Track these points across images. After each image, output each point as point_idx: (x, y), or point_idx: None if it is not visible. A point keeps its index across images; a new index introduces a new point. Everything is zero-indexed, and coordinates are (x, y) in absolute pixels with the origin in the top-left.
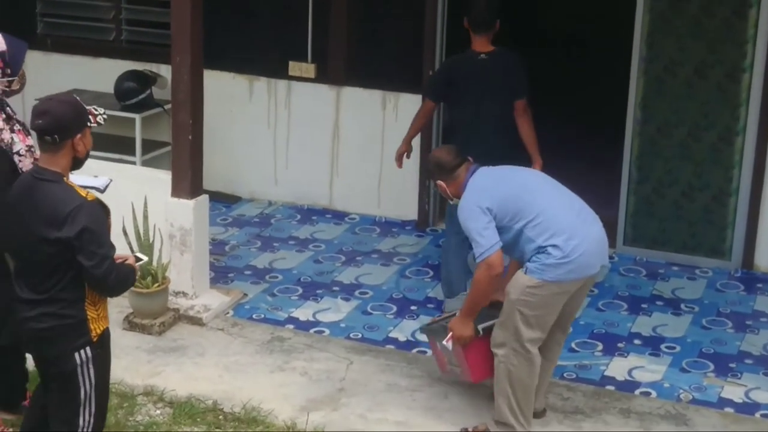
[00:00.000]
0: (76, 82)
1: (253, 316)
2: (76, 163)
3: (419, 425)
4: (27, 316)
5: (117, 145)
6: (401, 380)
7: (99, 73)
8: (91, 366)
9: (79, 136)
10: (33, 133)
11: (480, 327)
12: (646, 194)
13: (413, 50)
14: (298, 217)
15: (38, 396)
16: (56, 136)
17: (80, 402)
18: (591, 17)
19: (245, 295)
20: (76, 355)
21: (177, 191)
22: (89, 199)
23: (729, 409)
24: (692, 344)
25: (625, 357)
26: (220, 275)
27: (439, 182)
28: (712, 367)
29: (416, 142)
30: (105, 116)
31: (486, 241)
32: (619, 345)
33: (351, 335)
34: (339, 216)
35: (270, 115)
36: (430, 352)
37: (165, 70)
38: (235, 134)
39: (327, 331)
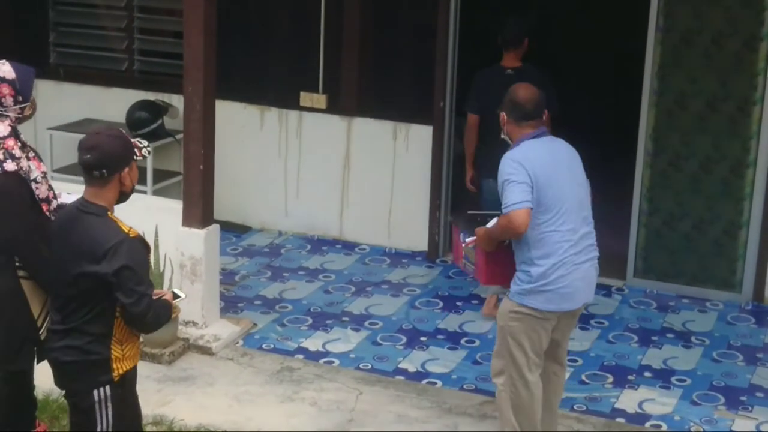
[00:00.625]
0: (89, 111)
1: (263, 346)
2: (122, 197)
3: None
4: (53, 346)
5: None
6: (411, 411)
7: (111, 103)
8: (109, 404)
9: (126, 170)
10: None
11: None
12: (656, 227)
13: (424, 81)
14: (308, 247)
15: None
16: (104, 170)
17: None
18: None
19: (255, 324)
20: (95, 392)
21: (188, 221)
22: (131, 235)
23: None
24: (703, 377)
25: (636, 389)
26: (230, 305)
27: (504, 113)
28: (722, 400)
29: (425, 172)
30: (150, 149)
31: (516, 196)
32: (630, 377)
33: (361, 366)
34: (349, 246)
35: (281, 146)
36: (440, 383)
37: (177, 100)
38: (246, 164)
39: (337, 362)
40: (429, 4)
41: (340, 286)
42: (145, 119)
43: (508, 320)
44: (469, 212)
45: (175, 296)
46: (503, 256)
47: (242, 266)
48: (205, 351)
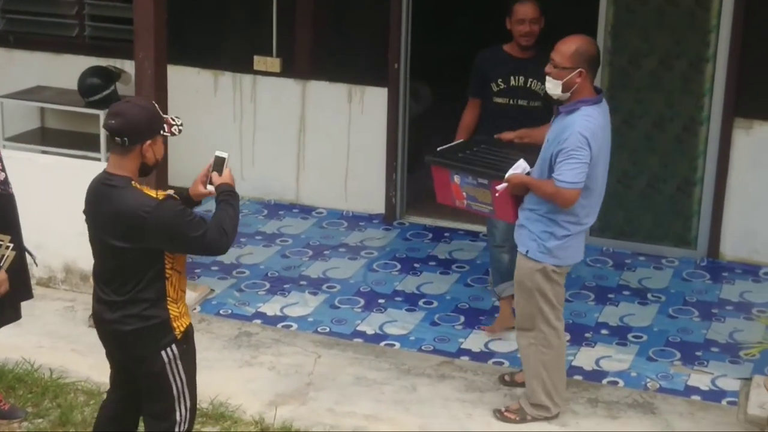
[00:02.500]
0: (40, 78)
1: (221, 312)
2: (144, 170)
3: (388, 418)
4: (110, 318)
5: (81, 141)
6: (369, 373)
7: (62, 70)
8: (179, 362)
9: (149, 142)
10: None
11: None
12: (612, 185)
13: (379, 44)
14: (265, 212)
15: (109, 404)
16: (126, 138)
17: (175, 397)
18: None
19: (212, 290)
20: (163, 353)
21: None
22: (160, 198)
23: (696, 397)
24: (659, 333)
25: (593, 347)
26: (186, 271)
27: (583, 70)
28: (678, 355)
29: (381, 135)
30: (181, 127)
31: (576, 176)
32: (587, 335)
33: (319, 329)
34: (306, 210)
35: (235, 110)
36: (398, 345)
37: (129, 66)
38: (200, 130)
39: (295, 326)
40: None
41: (297, 251)
42: (98, 85)
43: (538, 280)
44: (438, 149)
45: (218, 159)
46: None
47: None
48: None
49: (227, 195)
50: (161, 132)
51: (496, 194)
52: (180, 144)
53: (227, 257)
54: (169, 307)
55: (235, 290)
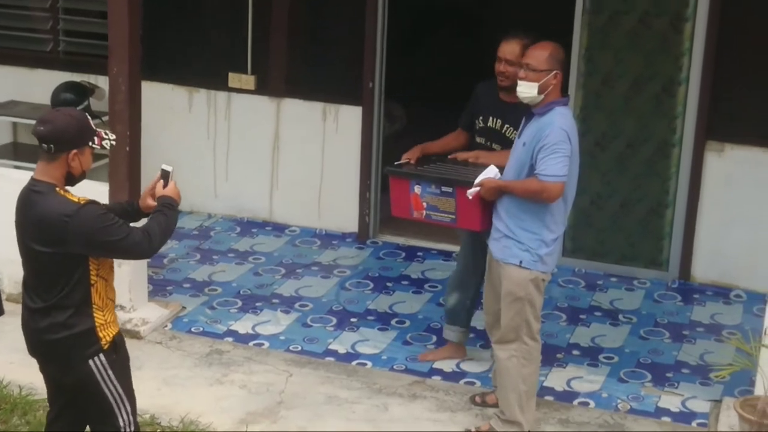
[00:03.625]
0: (13, 93)
1: (192, 329)
2: (70, 180)
3: None
4: (36, 327)
5: None
6: (341, 392)
7: (36, 85)
8: (110, 371)
9: (75, 151)
10: None
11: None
12: (584, 206)
13: (353, 62)
14: (238, 229)
15: (52, 421)
16: (52, 145)
17: (113, 404)
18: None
19: (184, 308)
20: (91, 363)
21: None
22: (82, 203)
23: (666, 419)
24: (630, 354)
25: (564, 367)
26: (158, 288)
27: (559, 72)
28: (649, 377)
29: (355, 153)
30: (113, 142)
31: (560, 169)
32: (558, 356)
33: (291, 348)
34: (279, 228)
35: (210, 127)
36: (370, 364)
37: (103, 82)
38: (174, 146)
39: (266, 344)
40: None
41: (270, 268)
42: (71, 100)
43: (531, 290)
44: (396, 163)
45: (164, 173)
46: (491, 203)
47: (171, 249)
48: (134, 335)
49: (164, 206)
50: (90, 144)
51: (468, 199)
52: (153, 159)
53: (200, 275)
54: (94, 314)
55: (206, 308)
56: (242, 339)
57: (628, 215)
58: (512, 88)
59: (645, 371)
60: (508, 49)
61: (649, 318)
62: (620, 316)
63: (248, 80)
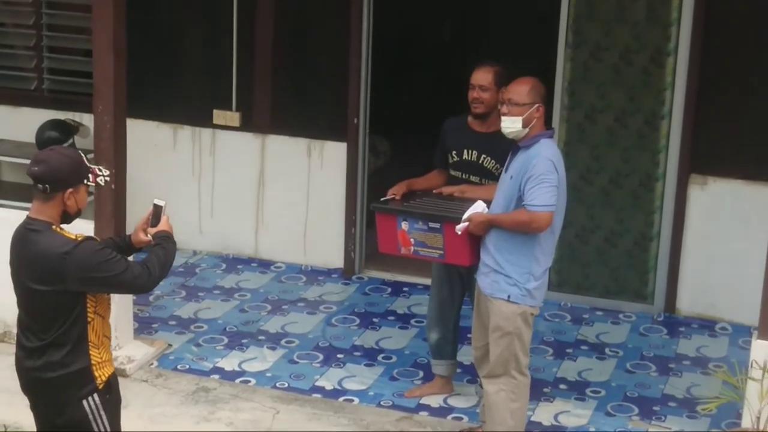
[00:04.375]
0: None
1: (178, 367)
2: (66, 218)
3: None
4: (31, 365)
5: None
6: (328, 429)
7: (21, 123)
8: (102, 412)
9: (70, 190)
10: None
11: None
12: (569, 240)
13: (338, 98)
14: (224, 266)
15: None
16: (47, 186)
17: None
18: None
19: (170, 345)
20: (85, 403)
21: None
22: (79, 239)
23: None
24: (617, 388)
25: (551, 402)
26: (144, 326)
27: (541, 105)
28: (636, 410)
29: (340, 189)
30: (107, 178)
31: (548, 198)
32: (545, 390)
33: (277, 384)
34: (265, 265)
35: (195, 164)
36: (357, 400)
37: (88, 119)
38: (159, 183)
39: (253, 381)
40: (341, 21)
41: (255, 305)
42: (56, 138)
43: (519, 324)
44: (382, 199)
45: (156, 207)
46: (479, 237)
47: (157, 286)
48: (120, 373)
49: (161, 239)
50: (84, 181)
51: (457, 234)
52: (139, 196)
53: (185, 312)
54: (90, 352)
55: (192, 345)
56: (229, 376)
57: (613, 249)
58: (486, 116)
59: (632, 405)
60: (481, 76)
61: (636, 351)
62: (606, 350)
63: (233, 117)
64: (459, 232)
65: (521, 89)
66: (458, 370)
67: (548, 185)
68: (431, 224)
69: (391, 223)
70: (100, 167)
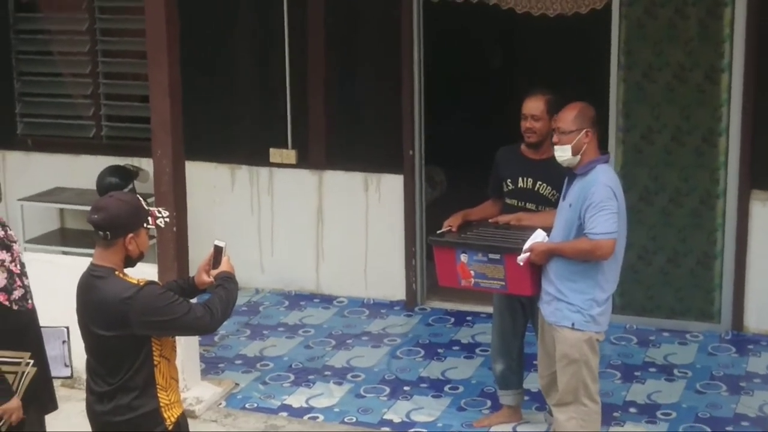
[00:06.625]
0: (58, 180)
1: (246, 406)
2: (129, 262)
3: None
4: (101, 410)
5: None
6: None
7: (81, 171)
8: None
9: (131, 235)
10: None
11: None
12: (631, 262)
13: (392, 131)
14: (286, 303)
15: None
16: (108, 232)
17: None
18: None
19: (237, 384)
20: None
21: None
22: (141, 284)
23: None
24: (688, 410)
25: (622, 426)
26: (210, 366)
27: (589, 131)
28: (709, 431)
29: (399, 221)
30: (167, 219)
31: (610, 225)
32: (615, 414)
33: (345, 419)
34: (327, 300)
35: (253, 203)
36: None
37: (147, 164)
38: (219, 224)
39: (321, 417)
40: (392, 53)
41: (320, 341)
42: (116, 184)
43: (585, 351)
44: (438, 232)
45: (217, 248)
46: (540, 266)
47: (221, 326)
48: (188, 414)
49: (223, 280)
50: (144, 225)
51: (518, 265)
52: (200, 237)
53: (251, 350)
54: (159, 395)
55: (259, 383)
56: (296, 413)
57: (676, 269)
58: (539, 144)
59: (704, 426)
60: (532, 105)
61: (705, 371)
62: (675, 371)
63: (289, 155)
64: (521, 263)
65: (567, 116)
66: (526, 398)
67: (609, 212)
68: (491, 255)
69: (449, 257)
70: (159, 209)
